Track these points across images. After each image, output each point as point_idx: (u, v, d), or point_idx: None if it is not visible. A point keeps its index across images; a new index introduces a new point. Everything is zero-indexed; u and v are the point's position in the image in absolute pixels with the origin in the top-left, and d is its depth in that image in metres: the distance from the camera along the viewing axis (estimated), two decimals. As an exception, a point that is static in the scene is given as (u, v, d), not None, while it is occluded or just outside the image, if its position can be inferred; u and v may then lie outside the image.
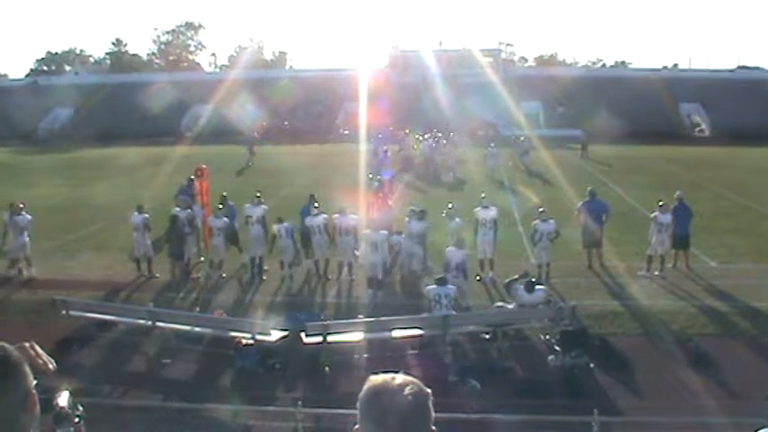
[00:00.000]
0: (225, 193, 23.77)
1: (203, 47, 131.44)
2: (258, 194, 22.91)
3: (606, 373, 14.57)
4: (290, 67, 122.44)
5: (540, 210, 21.46)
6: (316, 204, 21.86)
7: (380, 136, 49.51)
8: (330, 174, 40.31)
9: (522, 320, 16.64)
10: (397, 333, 15.58)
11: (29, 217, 22.26)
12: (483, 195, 22.75)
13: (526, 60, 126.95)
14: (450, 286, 16.52)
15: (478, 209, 21.54)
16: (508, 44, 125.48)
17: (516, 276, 17.63)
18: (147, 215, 21.94)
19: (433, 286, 16.40)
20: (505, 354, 15.74)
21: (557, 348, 15.10)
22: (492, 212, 21.46)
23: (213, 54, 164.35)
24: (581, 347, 14.93)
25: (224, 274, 21.59)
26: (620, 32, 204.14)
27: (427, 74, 74.92)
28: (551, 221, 20.78)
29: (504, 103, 68.10)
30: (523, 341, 16.27)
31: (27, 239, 22.01)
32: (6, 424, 2.57)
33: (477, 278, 20.75)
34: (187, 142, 58.27)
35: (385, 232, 20.62)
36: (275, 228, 21.26)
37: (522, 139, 39.43)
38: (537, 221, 20.83)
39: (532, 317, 16.57)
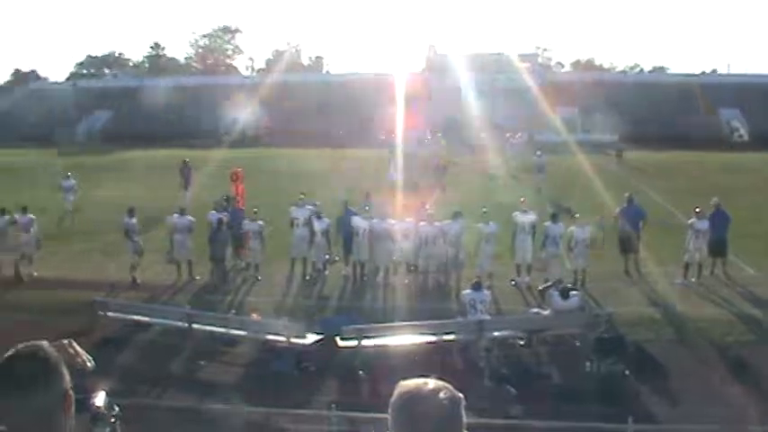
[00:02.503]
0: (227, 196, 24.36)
1: (240, 51, 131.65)
2: (302, 196, 23.00)
3: (642, 380, 14.45)
4: (327, 71, 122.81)
5: (576, 215, 21.32)
6: (367, 207, 21.93)
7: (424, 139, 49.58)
8: (366, 178, 40.28)
9: (557, 326, 16.55)
10: (431, 337, 15.56)
11: (31, 216, 22.69)
12: (522, 199, 22.69)
13: (563, 65, 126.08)
14: (485, 291, 16.48)
15: (517, 213, 21.44)
16: (545, 49, 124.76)
17: (551, 282, 17.53)
18: (191, 218, 22.20)
19: (469, 291, 16.36)
20: (541, 360, 15.67)
21: (592, 355, 14.99)
22: (531, 217, 21.36)
23: (250, 58, 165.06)
24: (617, 354, 14.82)
25: (260, 277, 21.69)
26: (658, 37, 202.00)
27: (463, 78, 74.65)
28: (587, 227, 20.65)
29: (540, 108, 67.72)
30: (559, 347, 16.17)
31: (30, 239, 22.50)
32: (44, 423, 2.61)
33: (512, 283, 20.69)
34: (224, 145, 58.41)
35: (438, 224, 20.92)
36: (315, 225, 21.39)
37: (538, 153, 38.76)
38: (573, 227, 20.71)
39: (568, 323, 16.48)
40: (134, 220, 22.10)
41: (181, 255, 21.99)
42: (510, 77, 76.87)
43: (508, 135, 55.18)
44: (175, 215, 22.27)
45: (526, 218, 21.32)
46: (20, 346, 2.67)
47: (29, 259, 22.51)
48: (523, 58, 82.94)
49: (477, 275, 19.01)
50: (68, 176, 33.74)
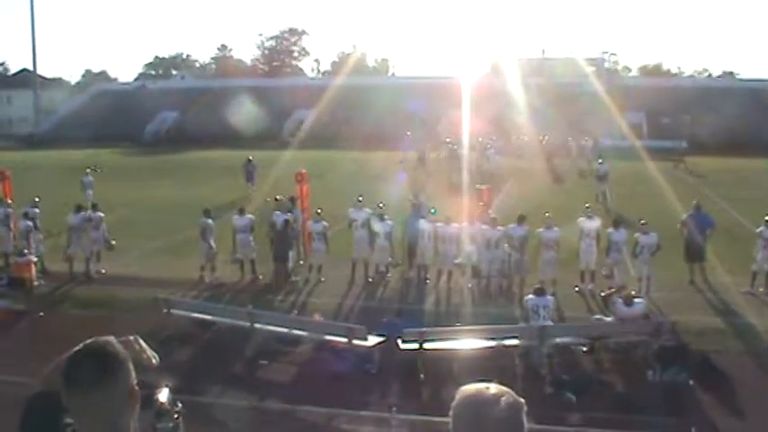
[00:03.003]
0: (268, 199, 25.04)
1: (306, 53, 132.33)
2: (360, 198, 23.09)
3: (706, 391, 14.18)
4: (393, 74, 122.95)
5: (642, 222, 21.03)
6: (433, 210, 21.95)
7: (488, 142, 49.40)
8: (431, 181, 40.28)
9: (620, 334, 16.33)
10: (493, 342, 15.47)
11: (100, 214, 23.19)
12: (587, 206, 22.50)
13: (630, 70, 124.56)
14: (548, 297, 16.36)
15: (582, 218, 21.24)
16: (612, 53, 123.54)
17: (614, 289, 17.30)
18: (251, 216, 22.42)
19: (532, 296, 16.25)
20: (602, 367, 15.50)
21: (655, 364, 14.77)
22: (596, 223, 21.15)
23: (316, 60, 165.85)
24: (680, 364, 14.58)
25: (323, 278, 21.80)
26: (727, 41, 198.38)
27: (530, 82, 74.18)
28: (653, 234, 20.35)
29: (606, 112, 66.98)
30: (621, 355, 15.95)
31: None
32: (110, 418, 2.65)
33: (576, 289, 20.51)
34: (289, 147, 58.87)
35: (502, 228, 20.90)
36: (376, 227, 21.46)
37: (600, 161, 38.15)
38: (638, 234, 20.43)
39: (631, 330, 16.25)
40: (210, 221, 22.31)
41: (243, 254, 22.23)
42: (576, 82, 76.20)
43: (570, 140, 54.57)
44: (235, 216, 22.53)
45: (591, 224, 21.10)
46: (88, 341, 2.73)
47: (97, 256, 22.94)
48: (590, 62, 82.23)
49: (541, 281, 18.89)
50: (87, 173, 35.73)
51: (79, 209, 23.12)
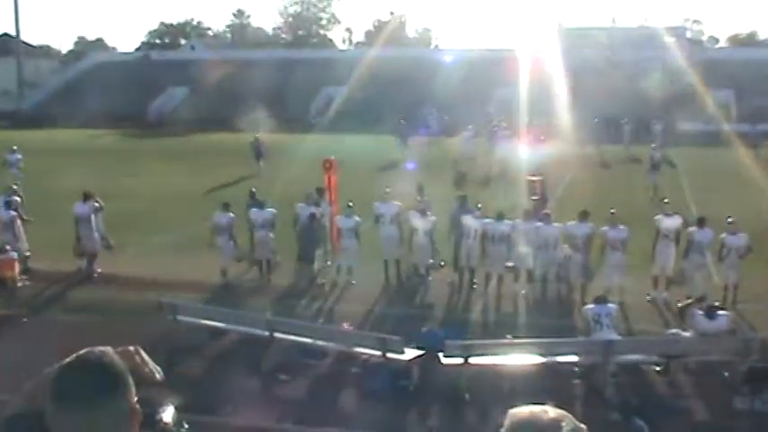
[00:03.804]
0: (254, 189, 24.96)
1: (337, 21, 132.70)
2: (387, 190, 23.09)
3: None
4: (436, 46, 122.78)
5: (729, 220, 20.82)
6: (479, 205, 21.88)
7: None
8: (479, 172, 40.24)
9: (700, 352, 16.20)
10: (549, 358, 15.44)
11: (12, 213, 22.97)
12: (666, 201, 22.30)
13: (717, 40, 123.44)
14: (610, 305, 16.26)
15: (661, 216, 21.03)
16: (695, 21, 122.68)
17: (693, 299, 17.19)
18: (272, 210, 22.47)
19: (591, 306, 16.18)
20: (679, 391, 15.40)
21: (743, 388, 14.66)
22: (676, 221, 20.93)
23: (348, 29, 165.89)
24: (773, 388, 14.46)
25: (353, 281, 21.85)
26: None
27: (598, 56, 73.68)
28: (742, 234, 20.12)
29: (687, 90, 66.38)
30: (702, 377, 15.83)
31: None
32: None
33: (648, 298, 20.36)
34: (317, 129, 59.05)
35: (559, 225, 20.80)
36: (416, 223, 21.43)
37: (653, 146, 37.75)
38: (724, 234, 20.22)
39: (713, 348, 16.12)
40: (231, 215, 22.16)
41: (262, 253, 22.32)
42: (652, 55, 75.53)
43: (624, 121, 54.01)
44: (254, 209, 22.49)
45: (671, 222, 20.86)
46: (81, 351, 2.69)
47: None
48: (669, 31, 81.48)
49: (606, 287, 18.80)
50: (14, 150, 36.95)
51: (87, 197, 23.06)
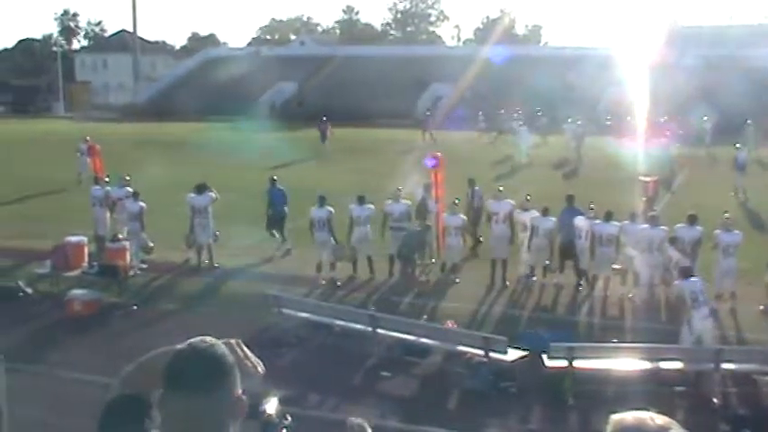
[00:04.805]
0: (275, 177, 25.47)
1: (446, 17, 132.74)
2: (501, 189, 22.93)
3: None
4: (545, 43, 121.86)
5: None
6: (592, 206, 21.61)
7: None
8: (588, 171, 39.84)
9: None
10: (655, 363, 15.18)
11: (141, 204, 23.19)
12: (726, 216, 21.32)
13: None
14: (697, 279, 15.97)
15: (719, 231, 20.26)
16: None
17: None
18: (371, 206, 22.50)
19: (683, 281, 15.87)
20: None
21: None
22: (737, 238, 20.12)
23: (457, 26, 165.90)
24: None
25: (458, 279, 21.80)
26: None
27: (713, 54, 72.13)
28: None
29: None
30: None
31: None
32: (212, 429, 2.68)
33: (761, 307, 19.77)
34: (424, 126, 58.94)
35: (666, 228, 20.26)
36: (536, 222, 21.25)
37: (737, 146, 36.53)
38: None
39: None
40: (329, 208, 22.17)
41: (361, 250, 22.37)
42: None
43: (705, 119, 52.68)
44: (352, 205, 22.47)
45: (731, 238, 20.22)
46: (193, 339, 2.76)
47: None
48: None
49: (717, 294, 18.41)
50: (87, 140, 36.35)
51: (202, 188, 23.42)
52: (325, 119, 51.92)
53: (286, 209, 24.74)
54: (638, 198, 26.23)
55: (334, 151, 48.65)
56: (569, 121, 51.16)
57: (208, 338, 2.75)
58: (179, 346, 2.74)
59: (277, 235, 24.76)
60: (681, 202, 28.33)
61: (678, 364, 15.19)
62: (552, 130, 54.65)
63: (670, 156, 40.56)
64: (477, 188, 25.15)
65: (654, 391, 14.52)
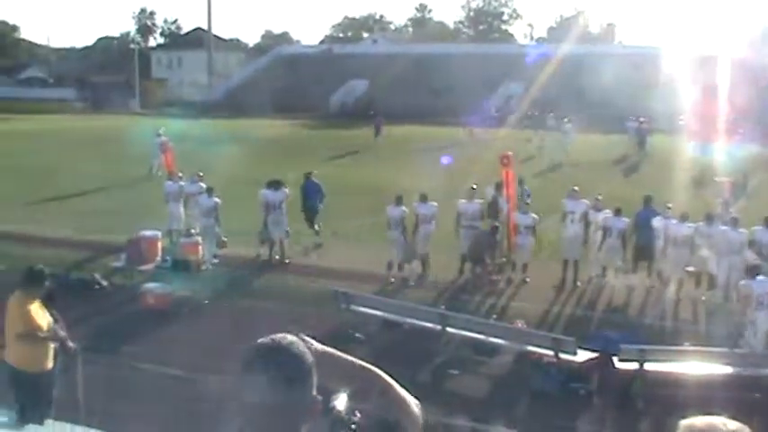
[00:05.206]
0: (311, 172, 25.83)
1: (519, 16, 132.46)
2: (576, 188, 22.80)
3: None
4: (620, 42, 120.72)
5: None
6: (669, 205, 21.40)
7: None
8: (663, 172, 39.37)
9: None
10: (728, 368, 14.97)
11: (216, 200, 23.36)
12: None
13: None
14: (763, 278, 15.72)
15: None
16: None
17: None
18: (434, 204, 22.41)
19: (746, 280, 15.64)
20: None
21: None
22: None
23: (530, 24, 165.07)
24: None
25: (527, 279, 21.72)
26: None
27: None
28: None
29: None
30: None
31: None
32: (289, 428, 2.67)
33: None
34: (496, 125, 58.77)
35: (744, 230, 19.88)
36: (609, 222, 21.08)
37: None
38: None
39: None
40: (403, 208, 22.08)
41: (425, 249, 22.23)
42: None
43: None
44: (416, 203, 22.38)
45: None
46: (273, 336, 2.73)
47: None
48: None
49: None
50: (160, 134, 37.59)
51: (276, 184, 23.71)
52: (372, 113, 56.59)
53: (320, 204, 25.04)
54: (713, 199, 25.82)
55: (386, 147, 48.96)
56: (632, 119, 50.78)
57: (288, 335, 2.76)
58: (261, 340, 2.70)
59: (316, 227, 25.21)
60: (756, 204, 27.93)
61: (752, 370, 14.96)
62: (615, 128, 54.06)
63: (743, 156, 39.98)
64: (526, 187, 25.11)
65: (728, 396, 14.30)
